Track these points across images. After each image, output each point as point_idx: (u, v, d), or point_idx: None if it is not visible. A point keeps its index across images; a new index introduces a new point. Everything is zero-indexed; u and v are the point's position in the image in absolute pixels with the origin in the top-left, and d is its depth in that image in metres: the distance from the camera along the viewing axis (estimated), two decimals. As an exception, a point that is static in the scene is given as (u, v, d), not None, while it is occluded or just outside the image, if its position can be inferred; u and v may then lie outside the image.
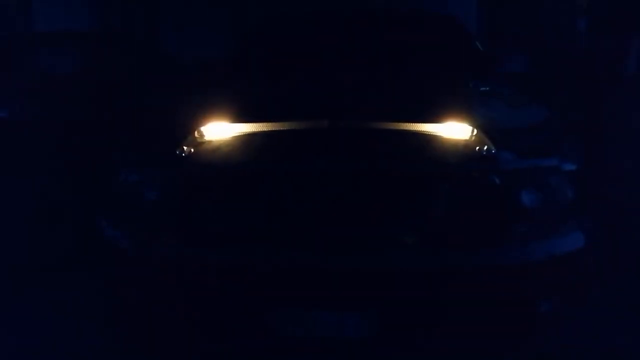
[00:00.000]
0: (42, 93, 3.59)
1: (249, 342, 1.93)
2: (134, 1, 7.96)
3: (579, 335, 2.33)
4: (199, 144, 2.01)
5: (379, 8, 3.92)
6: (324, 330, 1.81)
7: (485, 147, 1.89)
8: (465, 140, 1.92)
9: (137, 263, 1.97)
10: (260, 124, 1.99)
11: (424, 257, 1.80)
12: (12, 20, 7.54)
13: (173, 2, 7.92)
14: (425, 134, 1.93)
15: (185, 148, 2.00)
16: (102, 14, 7.79)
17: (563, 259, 1.87)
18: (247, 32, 3.66)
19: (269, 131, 1.98)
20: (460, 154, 1.90)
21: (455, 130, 1.94)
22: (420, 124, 1.94)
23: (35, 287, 2.99)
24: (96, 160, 2.52)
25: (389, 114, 1.98)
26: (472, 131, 1.93)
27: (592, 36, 5.20)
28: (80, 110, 3.58)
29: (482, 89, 2.69)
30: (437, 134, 1.94)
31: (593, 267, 2.00)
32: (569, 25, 5.58)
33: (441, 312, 1.81)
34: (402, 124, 1.94)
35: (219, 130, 2.05)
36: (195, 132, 2.02)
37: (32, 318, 2.71)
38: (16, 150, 3.25)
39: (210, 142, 2.02)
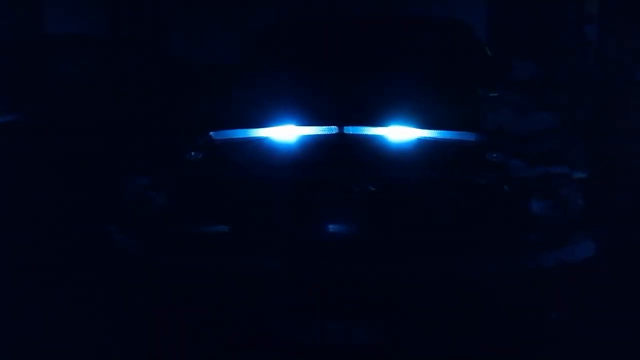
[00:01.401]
0: (52, 97, 3.60)
1: (256, 349, 1.92)
2: (143, 6, 8.01)
3: (589, 344, 2.31)
4: (207, 148, 2.01)
5: (389, 14, 3.92)
6: (332, 338, 1.80)
7: (495, 155, 1.88)
8: (475, 147, 1.91)
9: (145, 268, 1.97)
10: (270, 129, 1.99)
11: (433, 265, 1.79)
12: (23, 24, 7.60)
13: (182, 6, 7.96)
14: (435, 141, 1.92)
15: (194, 153, 2.00)
16: (112, 19, 7.85)
17: (573, 267, 1.86)
18: (257, 38, 3.66)
19: (278, 136, 1.98)
20: (470, 161, 1.89)
21: (465, 138, 1.94)
22: (429, 130, 1.93)
23: (41, 290, 3.00)
24: (105, 164, 2.52)
25: (398, 120, 1.98)
26: (482, 138, 1.92)
27: (602, 42, 5.18)
28: (89, 114, 3.59)
29: (491, 95, 2.68)
30: (447, 141, 1.93)
31: (604, 276, 1.99)
32: (578, 31, 5.56)
33: (449, 320, 1.80)
34: (412, 130, 1.94)
35: (228, 135, 2.05)
36: (205, 137, 2.02)
37: (36, 320, 2.71)
38: (25, 153, 3.26)
39: (218, 147, 2.02)
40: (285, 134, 1.97)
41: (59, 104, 3.57)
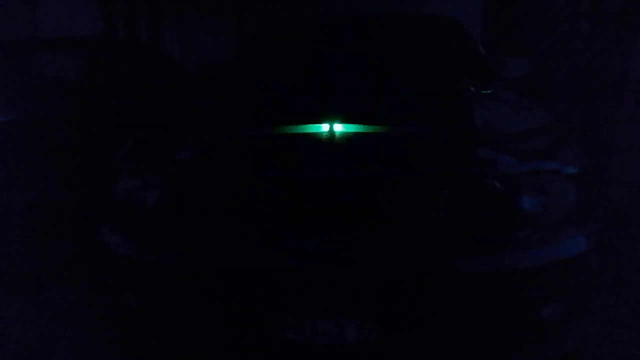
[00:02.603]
0: (45, 98, 3.60)
1: (248, 349, 1.92)
2: (137, 6, 8.00)
3: (583, 342, 2.31)
4: (199, 147, 2.00)
5: (381, 11, 3.91)
6: (324, 338, 1.80)
7: (487, 151, 1.88)
8: (467, 143, 1.91)
9: (137, 269, 1.96)
10: (261, 128, 1.99)
11: (424, 263, 1.78)
12: (17, 25, 7.58)
13: (176, 7, 7.96)
14: (426, 138, 1.92)
15: (184, 153, 1.99)
16: (106, 19, 7.83)
17: (566, 263, 1.85)
18: (248, 37, 3.66)
19: (269, 135, 1.97)
20: (461, 157, 1.88)
21: (456, 134, 1.93)
22: (421, 127, 1.93)
23: (36, 292, 3.00)
24: (97, 166, 2.52)
25: (390, 117, 1.97)
26: (474, 135, 1.91)
27: (596, 39, 5.18)
28: (82, 115, 3.59)
29: (483, 92, 2.67)
30: (438, 138, 1.92)
31: (596, 272, 1.98)
32: (572, 28, 5.56)
33: (442, 318, 1.79)
34: (403, 127, 1.93)
35: (219, 135, 2.04)
36: (195, 137, 2.02)
37: (34, 321, 2.71)
38: (18, 154, 3.26)
39: (209, 146, 2.02)
40: (277, 132, 1.96)
41: (52, 105, 3.56)
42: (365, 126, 1.93)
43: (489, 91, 2.68)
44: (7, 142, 3.24)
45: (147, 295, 1.97)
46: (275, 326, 1.82)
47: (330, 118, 1.91)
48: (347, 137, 1.90)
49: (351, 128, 1.92)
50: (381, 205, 1.84)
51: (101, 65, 4.18)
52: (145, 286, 1.98)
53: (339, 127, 1.89)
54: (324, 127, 1.89)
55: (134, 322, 2.12)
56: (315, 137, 1.91)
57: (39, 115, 3.44)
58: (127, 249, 1.99)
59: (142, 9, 8.02)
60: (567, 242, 1.89)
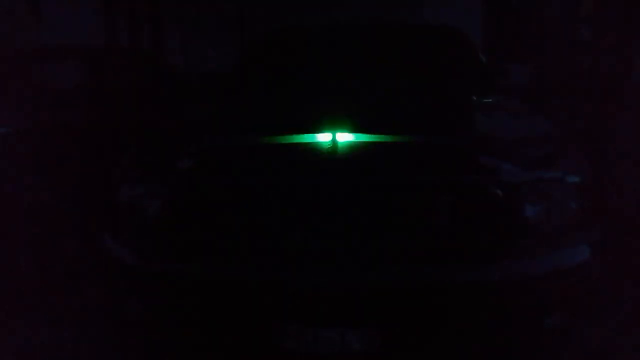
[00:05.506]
0: (45, 107, 3.61)
1: (251, 357, 1.92)
2: (141, 15, 8.04)
3: (586, 350, 2.30)
4: (200, 157, 2.01)
5: (383, 21, 3.93)
6: (326, 347, 1.80)
7: (489, 160, 1.88)
8: (468, 153, 1.91)
9: (139, 277, 1.97)
10: (263, 138, 1.99)
11: (426, 272, 1.78)
12: (21, 34, 7.63)
13: (179, 17, 7.99)
14: (428, 147, 1.92)
15: (186, 161, 1.99)
16: (109, 28, 7.88)
17: (568, 272, 1.85)
18: (250, 47, 3.68)
19: (271, 145, 1.97)
20: (463, 166, 1.88)
21: (458, 143, 1.93)
22: (423, 136, 1.93)
23: (38, 299, 3.00)
24: (98, 174, 2.53)
25: (392, 127, 1.97)
26: (476, 144, 1.91)
27: (597, 45, 5.19)
28: (83, 124, 3.60)
29: (485, 101, 2.68)
30: (440, 147, 1.92)
31: (599, 280, 1.98)
32: (573, 34, 5.57)
33: (444, 328, 1.79)
34: (405, 136, 1.93)
35: (221, 143, 2.04)
36: (198, 145, 2.02)
37: (36, 328, 2.71)
38: (20, 162, 3.27)
39: (211, 155, 2.02)
40: (278, 141, 1.96)
41: (53, 114, 3.57)
42: (368, 135, 1.93)
43: (490, 100, 2.69)
44: (11, 151, 3.25)
45: (149, 303, 1.97)
46: (277, 335, 1.82)
47: (333, 127, 1.91)
48: (350, 146, 1.90)
49: (354, 137, 1.92)
50: (384, 214, 1.84)
51: (104, 74, 4.20)
52: (147, 294, 1.98)
53: (341, 137, 1.90)
54: (327, 137, 1.89)
55: (137, 330, 2.12)
56: (318, 146, 1.92)
57: (42, 123, 3.45)
58: (130, 257, 1.99)
59: (145, 17, 8.07)
60: (570, 251, 1.89)
